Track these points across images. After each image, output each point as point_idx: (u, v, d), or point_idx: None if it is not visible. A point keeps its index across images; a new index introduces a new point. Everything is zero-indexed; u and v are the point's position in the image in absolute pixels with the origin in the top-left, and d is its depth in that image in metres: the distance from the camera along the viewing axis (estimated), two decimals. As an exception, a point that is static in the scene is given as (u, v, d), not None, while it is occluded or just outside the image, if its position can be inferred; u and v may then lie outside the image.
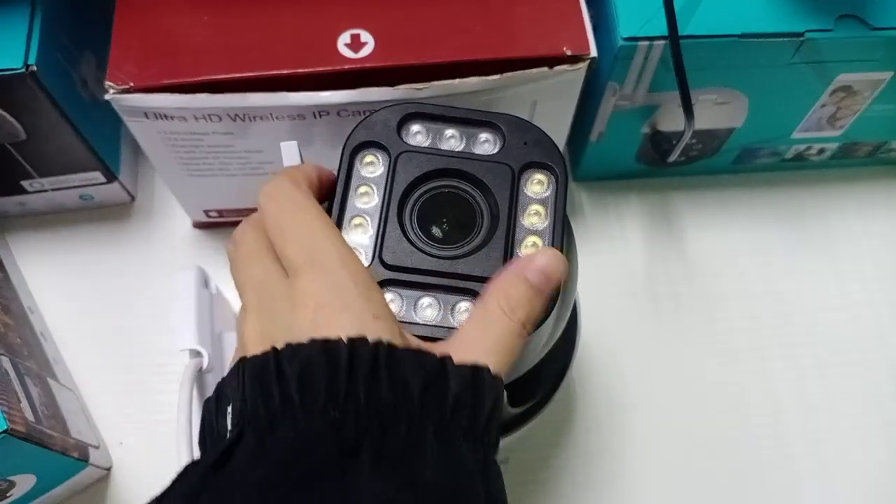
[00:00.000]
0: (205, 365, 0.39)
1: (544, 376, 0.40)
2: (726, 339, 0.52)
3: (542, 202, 0.33)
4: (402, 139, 0.33)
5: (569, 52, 0.40)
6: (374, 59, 0.39)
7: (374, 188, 0.32)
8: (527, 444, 0.47)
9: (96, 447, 0.45)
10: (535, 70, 0.40)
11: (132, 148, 0.53)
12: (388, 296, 0.30)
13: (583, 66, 0.40)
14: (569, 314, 0.36)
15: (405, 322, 0.30)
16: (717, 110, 0.48)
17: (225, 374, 0.42)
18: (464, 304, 0.30)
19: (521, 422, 0.40)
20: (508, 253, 0.31)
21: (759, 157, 0.54)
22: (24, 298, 0.49)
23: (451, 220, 0.32)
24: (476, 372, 0.26)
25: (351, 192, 0.32)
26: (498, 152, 0.33)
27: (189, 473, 0.25)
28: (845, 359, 0.52)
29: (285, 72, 0.39)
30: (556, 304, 0.31)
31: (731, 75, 0.45)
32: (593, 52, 0.40)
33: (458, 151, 0.33)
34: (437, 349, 0.27)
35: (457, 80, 0.39)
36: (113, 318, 0.50)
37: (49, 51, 0.42)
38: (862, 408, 0.50)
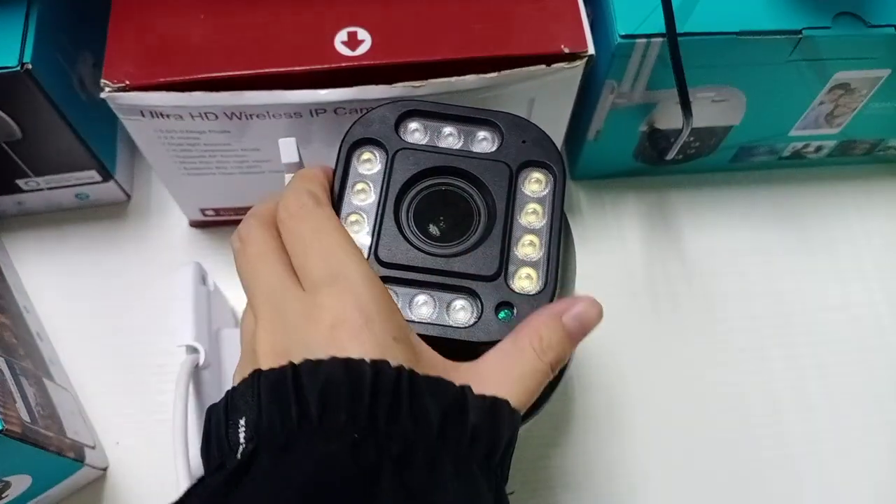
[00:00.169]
0: (201, 361, 0.39)
1: None
2: (725, 339, 0.52)
3: (540, 201, 0.33)
4: (399, 137, 0.33)
5: (566, 50, 0.40)
6: (371, 57, 0.39)
7: (371, 185, 0.32)
8: (525, 444, 0.47)
9: (92, 447, 0.45)
10: (532, 68, 0.40)
11: (128, 146, 0.52)
12: None
13: (580, 63, 0.40)
14: None
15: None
16: (715, 108, 0.48)
17: (223, 371, 0.42)
18: (459, 303, 0.30)
19: (521, 421, 0.40)
20: (505, 251, 0.31)
21: (756, 154, 0.54)
22: (19, 298, 0.48)
23: (448, 218, 0.32)
24: (495, 404, 0.26)
25: (348, 189, 0.32)
26: (496, 150, 0.33)
27: (200, 492, 0.25)
28: (847, 359, 0.52)
29: (282, 70, 0.39)
30: None
31: (729, 73, 0.45)
32: (591, 50, 0.40)
33: (456, 149, 0.33)
34: (459, 377, 0.27)
35: (454, 78, 0.39)
36: (109, 318, 0.50)
37: (45, 49, 0.42)
38: (862, 408, 0.50)
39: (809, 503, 0.48)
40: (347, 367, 0.25)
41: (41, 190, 0.50)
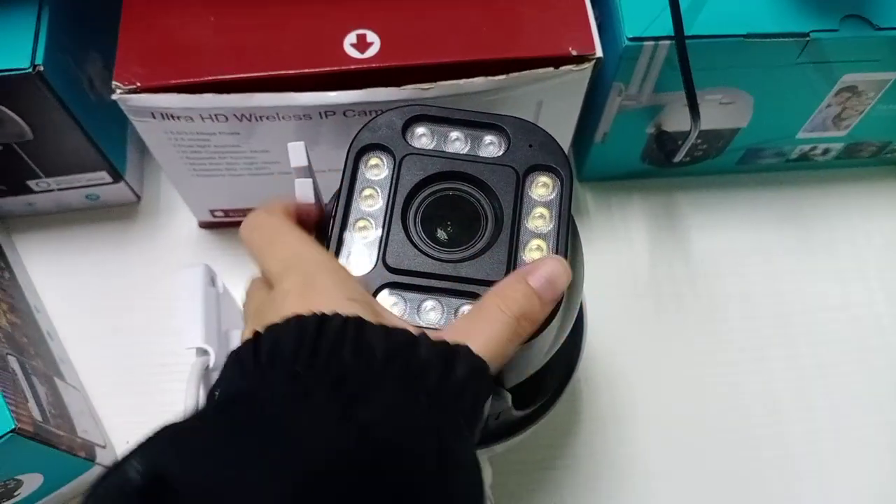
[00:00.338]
0: (211, 363, 0.39)
1: (551, 378, 0.40)
2: (730, 340, 0.52)
3: (547, 205, 0.33)
4: (406, 142, 0.33)
5: (574, 53, 0.40)
6: (380, 60, 0.39)
7: (379, 191, 0.32)
8: (533, 444, 0.47)
9: (103, 447, 0.45)
10: (540, 70, 0.40)
11: (138, 148, 0.53)
12: (392, 299, 0.30)
13: (588, 66, 0.40)
14: (575, 317, 0.36)
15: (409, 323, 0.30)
16: (723, 110, 0.48)
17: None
18: (467, 308, 0.30)
19: (528, 423, 0.40)
20: (513, 256, 0.31)
21: (763, 157, 0.54)
22: (30, 298, 0.49)
23: (455, 223, 0.32)
24: (451, 345, 0.27)
25: (355, 195, 0.32)
26: (503, 155, 0.33)
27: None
28: (847, 359, 0.52)
29: (291, 72, 0.39)
30: (561, 309, 0.31)
31: (736, 75, 0.45)
32: (599, 53, 0.40)
33: (463, 154, 0.33)
34: (416, 332, 0.27)
35: (462, 81, 0.39)
36: (118, 318, 0.50)
37: (56, 51, 0.42)
38: (862, 408, 0.50)
39: (809, 503, 0.48)
40: (298, 321, 0.26)
41: (51, 191, 0.50)
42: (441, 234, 0.32)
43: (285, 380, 0.25)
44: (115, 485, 0.22)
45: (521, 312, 0.29)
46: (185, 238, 0.53)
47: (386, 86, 0.39)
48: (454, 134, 0.33)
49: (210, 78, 0.39)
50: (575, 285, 0.34)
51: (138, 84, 0.38)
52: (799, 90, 0.47)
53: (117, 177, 0.50)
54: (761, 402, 0.50)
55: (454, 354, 0.26)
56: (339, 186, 0.32)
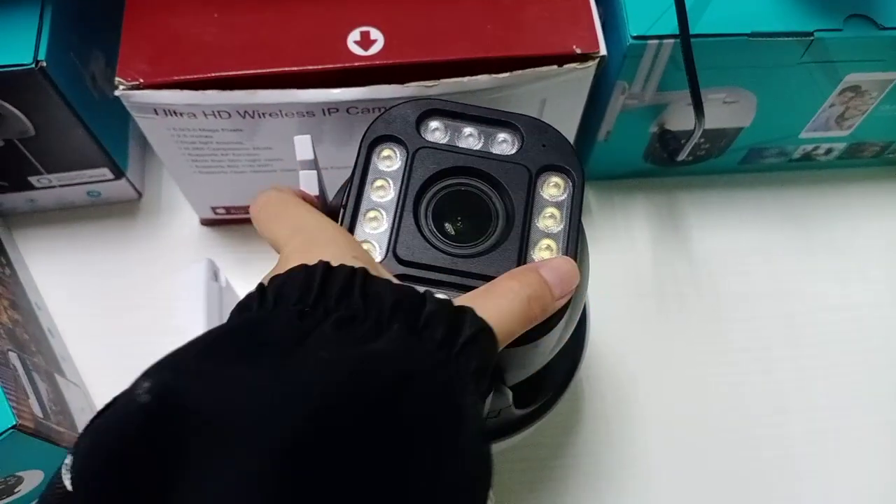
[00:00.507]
0: None
1: (553, 377, 0.40)
2: (732, 339, 0.52)
3: (558, 205, 0.33)
4: (420, 135, 0.33)
5: (578, 51, 0.40)
6: (384, 57, 0.39)
7: (391, 182, 0.32)
8: (536, 443, 0.47)
9: (103, 443, 0.45)
10: (544, 68, 0.40)
11: (140, 144, 0.53)
12: None
13: (592, 64, 0.40)
14: (578, 317, 0.36)
15: None
16: (726, 109, 0.48)
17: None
18: None
19: (530, 421, 0.40)
20: (522, 254, 0.31)
21: (766, 156, 0.54)
22: (31, 295, 0.49)
23: (466, 219, 0.32)
24: (457, 307, 0.26)
25: (367, 186, 0.32)
26: (516, 153, 0.33)
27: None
28: (849, 359, 0.52)
29: (295, 69, 0.39)
30: (567, 308, 0.31)
31: (740, 74, 0.45)
32: (603, 51, 0.40)
33: (476, 150, 0.33)
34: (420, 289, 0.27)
35: (466, 78, 0.39)
36: (120, 315, 0.50)
37: (59, 47, 0.42)
38: (865, 408, 0.50)
39: (810, 502, 0.48)
40: (305, 268, 0.26)
41: (53, 187, 0.50)
42: (452, 229, 0.32)
43: (293, 317, 0.25)
44: (121, 405, 0.23)
45: (534, 294, 0.29)
46: (186, 235, 0.53)
47: (389, 83, 0.39)
48: (468, 130, 0.33)
49: (213, 74, 0.39)
50: (580, 285, 0.34)
51: (141, 80, 0.38)
52: (802, 90, 0.47)
53: (119, 173, 0.50)
54: (763, 402, 0.50)
55: (461, 313, 0.26)
56: (349, 177, 0.32)
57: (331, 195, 0.36)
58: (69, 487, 0.22)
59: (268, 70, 0.39)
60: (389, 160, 0.32)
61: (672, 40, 0.42)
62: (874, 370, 0.51)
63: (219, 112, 0.40)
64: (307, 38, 0.40)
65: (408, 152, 0.32)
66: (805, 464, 0.49)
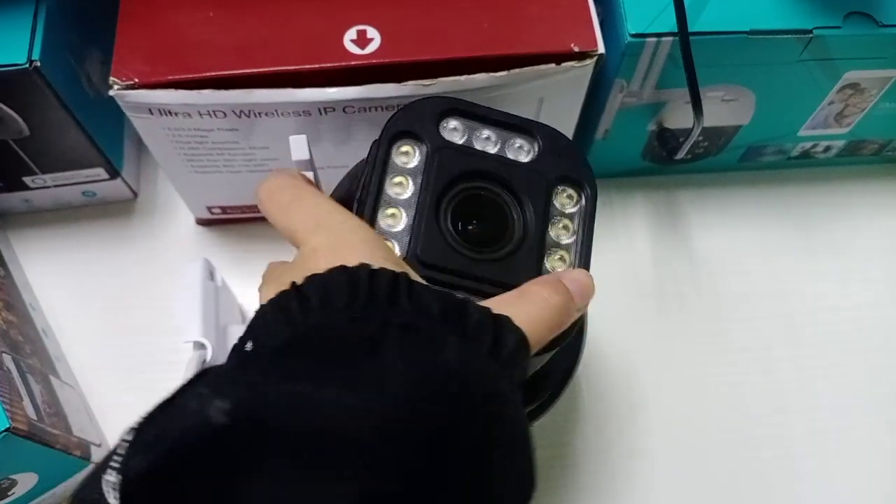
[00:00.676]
0: (209, 357, 0.39)
1: (552, 376, 0.40)
2: (732, 339, 0.51)
3: (570, 217, 0.33)
4: (440, 133, 0.32)
5: (576, 49, 0.40)
6: (381, 56, 0.39)
7: (409, 179, 0.31)
8: (536, 445, 0.47)
9: (98, 445, 0.45)
10: (542, 66, 0.39)
11: (135, 144, 0.52)
12: None
13: (590, 62, 0.40)
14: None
15: None
16: (724, 107, 0.48)
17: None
18: None
19: (529, 420, 0.39)
20: (540, 264, 0.31)
21: (765, 154, 0.54)
22: (26, 296, 0.48)
23: (484, 224, 0.32)
24: (497, 315, 0.26)
25: (386, 180, 0.31)
26: (533, 161, 0.33)
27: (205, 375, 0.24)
28: (849, 359, 0.51)
29: (291, 68, 0.38)
30: (581, 320, 0.31)
31: (739, 72, 0.45)
32: (601, 49, 0.40)
33: (493, 154, 0.33)
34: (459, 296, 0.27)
35: (464, 77, 0.39)
36: (115, 315, 0.50)
37: (54, 46, 0.41)
38: (866, 408, 0.50)
39: (811, 502, 0.48)
40: (346, 270, 0.25)
41: (48, 187, 0.49)
42: (471, 233, 0.31)
43: (347, 323, 0.24)
44: (191, 425, 0.21)
45: (562, 304, 0.29)
46: (182, 235, 0.52)
47: (386, 82, 0.39)
48: (485, 132, 0.33)
49: (209, 74, 0.38)
50: None
51: (136, 80, 0.38)
52: (801, 87, 0.47)
53: (114, 173, 0.50)
54: (763, 402, 0.50)
55: (502, 322, 0.26)
56: (359, 169, 0.32)
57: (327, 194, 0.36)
58: None
59: (264, 69, 0.38)
60: (407, 156, 0.32)
61: (670, 38, 0.42)
62: (874, 370, 0.51)
63: (214, 112, 0.39)
64: (303, 37, 0.39)
65: (428, 150, 0.32)
66: (805, 464, 0.49)
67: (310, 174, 0.35)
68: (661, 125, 0.49)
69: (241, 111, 0.39)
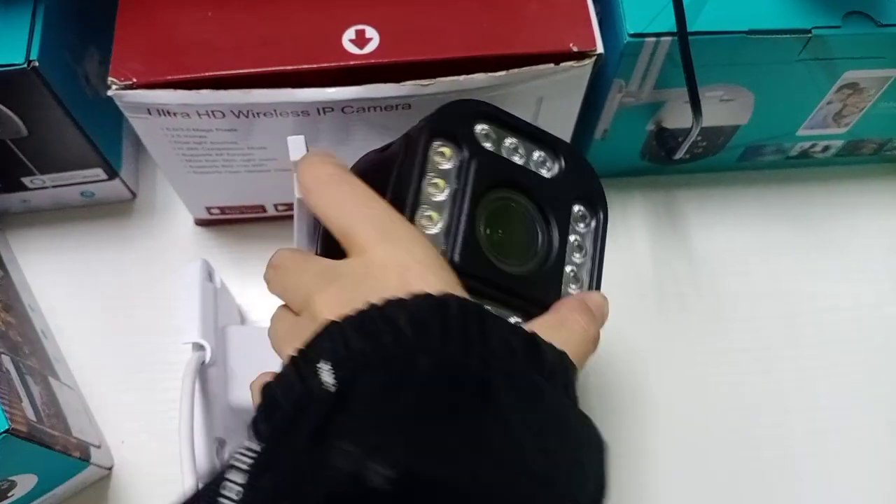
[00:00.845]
0: (207, 358, 0.39)
1: None
2: (732, 338, 0.51)
3: (584, 236, 0.33)
4: (475, 137, 0.32)
5: (575, 49, 0.39)
6: (379, 55, 0.39)
7: (445, 181, 0.31)
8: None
9: (98, 446, 0.45)
10: (540, 66, 0.39)
11: (134, 144, 0.52)
12: None
13: (589, 62, 0.40)
14: None
15: None
16: (723, 107, 0.48)
17: (229, 369, 0.42)
18: (513, 320, 0.30)
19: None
20: (560, 281, 0.32)
21: (763, 154, 0.54)
22: (24, 296, 0.48)
23: (516, 236, 0.32)
24: (562, 352, 0.27)
25: (424, 180, 0.31)
26: (556, 178, 0.33)
27: (292, 429, 0.23)
28: (850, 359, 0.51)
29: (289, 68, 0.38)
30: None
31: (738, 72, 0.45)
32: (599, 49, 0.40)
33: (521, 165, 0.33)
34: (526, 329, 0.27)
35: (462, 77, 0.39)
36: (114, 316, 0.50)
37: (51, 46, 0.41)
38: (867, 408, 0.50)
39: (811, 502, 0.48)
40: (433, 299, 0.25)
41: (46, 188, 0.49)
42: (501, 243, 0.31)
43: (452, 359, 0.24)
44: (353, 493, 0.20)
45: (596, 336, 0.29)
46: (181, 236, 0.52)
47: (385, 82, 0.39)
48: (511, 141, 0.33)
49: (207, 74, 0.38)
50: None
51: (134, 80, 0.38)
52: (800, 87, 0.47)
53: (112, 174, 0.50)
54: (763, 402, 0.50)
55: (567, 361, 0.27)
56: (399, 166, 0.31)
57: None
58: None
59: (262, 69, 0.38)
60: (442, 157, 0.31)
61: (669, 38, 0.41)
62: (875, 370, 0.51)
63: (213, 112, 0.39)
64: (302, 36, 0.39)
65: (465, 153, 0.31)
66: (805, 464, 0.49)
67: None
68: (660, 125, 0.49)
69: (239, 111, 0.39)
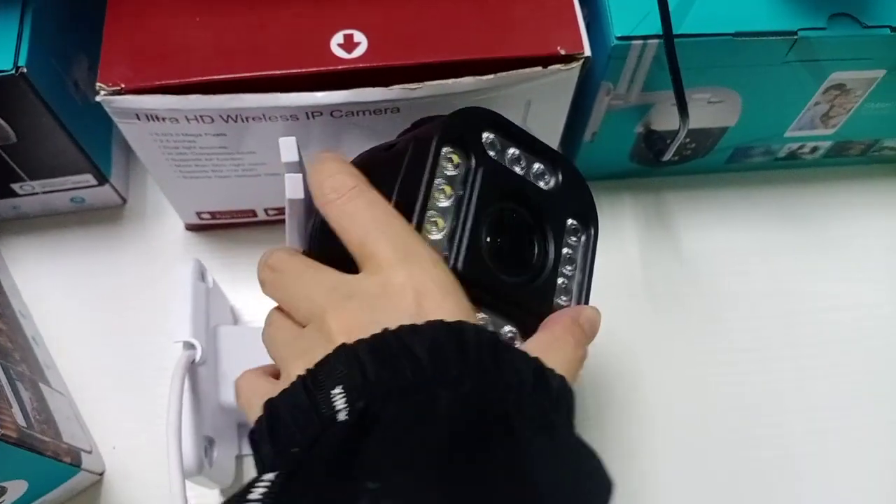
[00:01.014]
0: (198, 357, 0.39)
1: None
2: (725, 339, 0.52)
3: (575, 249, 0.34)
4: (482, 145, 0.32)
5: (563, 52, 0.40)
6: (368, 60, 0.39)
7: (451, 188, 0.31)
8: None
9: (89, 452, 0.45)
10: (528, 70, 0.40)
11: (123, 150, 0.52)
12: None
13: (576, 65, 0.40)
14: None
15: None
16: (711, 109, 0.48)
17: (220, 368, 0.42)
18: (508, 328, 0.31)
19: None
20: (553, 294, 0.32)
21: (752, 155, 0.54)
22: (15, 302, 0.48)
23: (517, 247, 0.32)
24: (562, 377, 0.27)
25: (433, 186, 0.31)
26: (553, 191, 0.33)
27: (313, 456, 0.23)
28: (844, 358, 0.51)
29: (278, 72, 0.38)
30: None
31: (725, 74, 0.45)
32: (587, 52, 0.40)
33: (523, 176, 0.33)
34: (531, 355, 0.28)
35: (451, 80, 0.39)
36: (105, 322, 0.50)
37: (40, 52, 0.41)
38: (864, 407, 0.50)
39: (811, 502, 0.48)
40: (450, 328, 0.25)
41: (36, 194, 0.49)
42: (504, 253, 0.31)
43: (471, 393, 0.24)
44: None
45: (584, 354, 0.30)
46: (172, 241, 0.52)
47: (373, 86, 0.39)
48: (513, 151, 0.33)
49: (196, 79, 0.38)
50: None
51: (122, 85, 0.38)
52: (787, 88, 0.47)
53: (102, 179, 0.50)
54: (763, 402, 0.50)
55: (567, 388, 0.27)
56: (405, 167, 0.31)
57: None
58: None
59: (251, 74, 0.38)
60: (450, 163, 0.31)
61: (656, 41, 0.42)
62: (873, 369, 0.51)
63: (201, 117, 0.39)
64: (290, 41, 0.39)
65: (472, 161, 0.31)
66: (805, 464, 0.49)
67: (299, 177, 0.35)
68: (649, 127, 0.49)
69: (228, 116, 0.39)
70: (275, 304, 0.32)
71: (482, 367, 0.25)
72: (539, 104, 0.42)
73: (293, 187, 0.34)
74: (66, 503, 0.45)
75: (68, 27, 0.46)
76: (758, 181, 0.56)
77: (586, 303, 0.33)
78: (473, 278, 0.30)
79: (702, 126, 0.50)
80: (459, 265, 0.29)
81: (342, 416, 0.24)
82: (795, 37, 0.43)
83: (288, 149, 0.35)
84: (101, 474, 0.46)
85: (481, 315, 0.30)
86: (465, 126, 0.32)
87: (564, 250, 0.33)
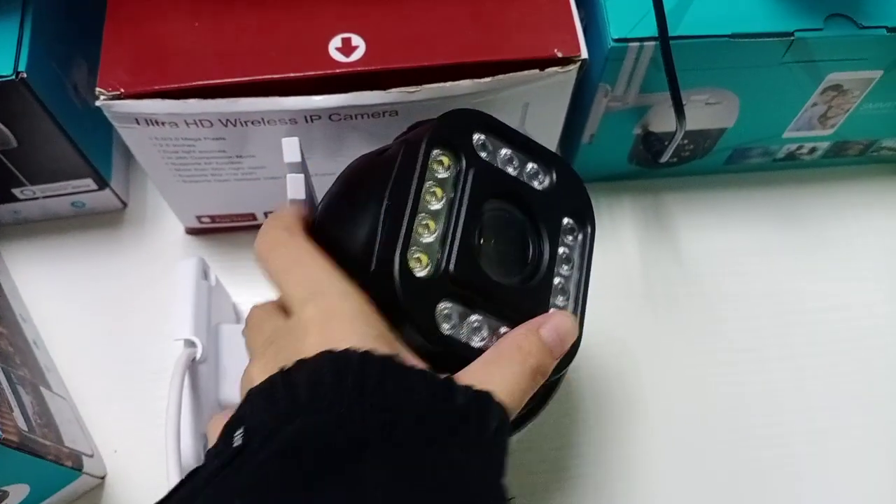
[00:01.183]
0: (198, 355, 0.39)
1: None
2: (724, 339, 0.52)
3: (571, 248, 0.33)
4: (473, 147, 0.32)
5: (560, 54, 0.40)
6: (366, 63, 0.39)
7: (442, 190, 0.31)
8: (528, 446, 0.47)
9: (90, 456, 0.45)
10: (526, 72, 0.40)
11: (123, 154, 0.52)
12: (446, 307, 0.29)
13: (574, 67, 0.40)
14: None
15: (453, 336, 0.29)
16: (709, 110, 0.48)
17: (221, 366, 0.42)
18: (504, 330, 0.31)
19: (518, 425, 0.40)
20: (549, 295, 0.32)
21: (750, 156, 0.54)
22: (16, 306, 0.48)
23: (507, 247, 0.32)
24: (480, 393, 0.27)
25: (423, 189, 0.31)
26: (548, 191, 0.33)
27: (192, 479, 0.25)
28: (842, 358, 0.51)
29: (276, 76, 0.39)
30: (562, 380, 0.32)
31: (722, 75, 0.45)
32: (584, 54, 0.40)
33: (516, 177, 0.33)
34: (442, 376, 0.27)
35: (448, 83, 0.39)
36: (106, 325, 0.50)
37: (40, 57, 0.42)
38: (862, 408, 0.50)
39: (810, 502, 0.48)
40: (334, 356, 0.25)
41: (37, 199, 0.50)
42: (495, 254, 0.31)
43: (330, 423, 0.24)
44: None
45: (537, 366, 0.29)
46: (172, 244, 0.52)
47: (372, 89, 0.39)
48: (505, 152, 0.33)
49: (195, 83, 0.38)
50: None
51: (122, 90, 0.38)
52: (784, 89, 0.47)
53: (103, 184, 0.50)
54: (762, 401, 0.50)
55: (486, 404, 0.26)
56: (395, 172, 0.31)
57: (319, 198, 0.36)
58: None
59: (249, 78, 0.39)
60: (440, 165, 0.31)
61: (653, 42, 0.42)
62: (869, 369, 0.51)
63: (201, 121, 0.40)
64: (289, 45, 0.40)
65: (463, 163, 0.31)
66: (804, 463, 0.49)
67: (300, 177, 0.35)
68: (647, 129, 0.50)
69: (227, 120, 0.40)
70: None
71: (360, 391, 0.25)
72: (537, 106, 0.43)
73: (295, 188, 0.34)
74: (68, 507, 0.45)
75: (68, 32, 0.46)
76: (756, 182, 0.56)
77: (584, 302, 0.33)
78: (465, 280, 0.30)
79: (700, 127, 0.50)
80: (451, 267, 0.29)
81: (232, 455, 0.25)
82: (792, 38, 0.43)
83: (291, 149, 0.35)
84: (103, 478, 0.46)
85: (474, 317, 0.30)
86: (454, 128, 0.32)
87: (560, 250, 0.33)
